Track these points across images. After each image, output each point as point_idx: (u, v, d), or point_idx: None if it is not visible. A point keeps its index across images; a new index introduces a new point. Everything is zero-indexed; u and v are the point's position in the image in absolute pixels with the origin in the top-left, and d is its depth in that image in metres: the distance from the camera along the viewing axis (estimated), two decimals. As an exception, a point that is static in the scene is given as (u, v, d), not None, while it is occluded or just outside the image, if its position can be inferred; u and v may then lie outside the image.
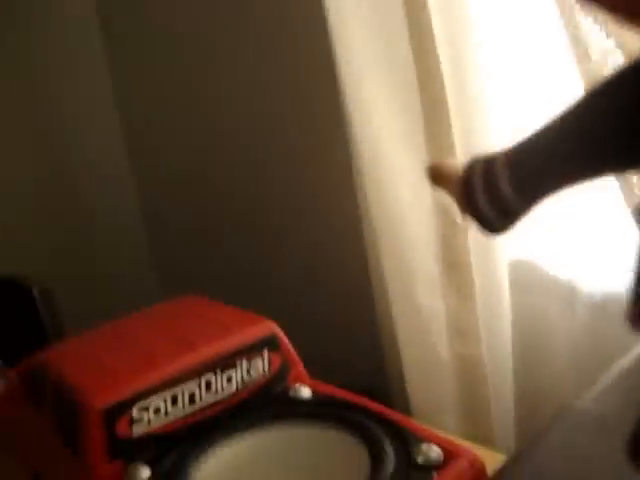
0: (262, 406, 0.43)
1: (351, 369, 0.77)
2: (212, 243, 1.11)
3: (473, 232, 0.71)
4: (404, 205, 0.68)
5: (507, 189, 0.20)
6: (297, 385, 0.45)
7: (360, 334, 0.82)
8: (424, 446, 0.36)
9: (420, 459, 0.35)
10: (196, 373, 0.42)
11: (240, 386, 0.44)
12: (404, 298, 0.68)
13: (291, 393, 0.44)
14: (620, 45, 0.47)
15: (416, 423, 0.39)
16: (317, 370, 0.67)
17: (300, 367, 0.47)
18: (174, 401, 0.41)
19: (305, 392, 0.44)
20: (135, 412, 0.40)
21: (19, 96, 1.16)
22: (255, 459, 0.39)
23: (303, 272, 0.92)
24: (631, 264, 0.20)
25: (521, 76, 0.63)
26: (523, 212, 0.21)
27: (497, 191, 0.21)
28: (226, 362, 0.43)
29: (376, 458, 0.36)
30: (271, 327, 0.46)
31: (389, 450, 0.36)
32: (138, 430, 0.40)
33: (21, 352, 0.79)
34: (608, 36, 0.46)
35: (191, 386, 0.42)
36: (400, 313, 0.68)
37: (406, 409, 0.70)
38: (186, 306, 0.54)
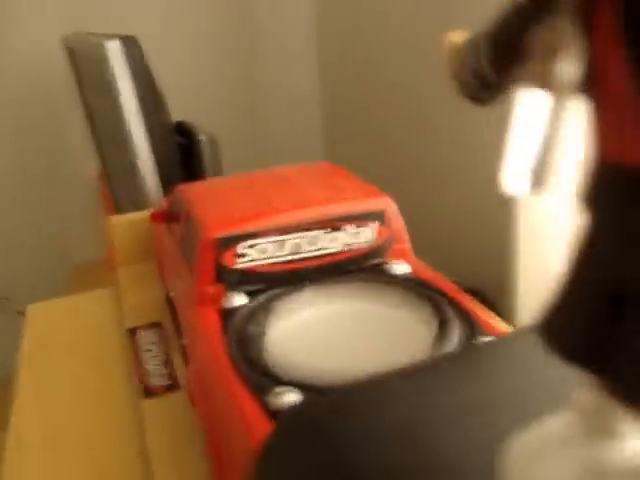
0: (356, 270, 0.46)
1: (473, 270, 0.78)
2: (376, 127, 1.13)
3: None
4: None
5: (485, 63, 0.20)
6: (397, 261, 0.47)
7: (487, 241, 0.82)
8: (487, 339, 0.37)
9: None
10: (305, 228, 0.46)
11: (343, 248, 0.47)
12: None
13: (388, 267, 0.47)
14: None
15: (492, 321, 0.40)
16: (439, 262, 0.69)
17: (406, 246, 0.49)
18: (279, 247, 0.45)
19: (401, 269, 0.46)
20: (242, 248, 0.44)
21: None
22: (332, 314, 0.43)
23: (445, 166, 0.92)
24: None
25: None
26: (501, 86, 0.21)
27: (478, 64, 0.21)
28: (334, 224, 0.46)
29: (439, 341, 0.38)
30: (386, 202, 0.48)
31: (454, 336, 0.38)
32: (242, 264, 0.44)
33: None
34: None
35: (298, 238, 0.46)
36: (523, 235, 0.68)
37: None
38: (319, 170, 0.57)
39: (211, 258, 0.44)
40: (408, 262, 0.48)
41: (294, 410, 0.31)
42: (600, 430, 0.17)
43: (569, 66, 0.15)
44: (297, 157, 1.34)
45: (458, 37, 0.22)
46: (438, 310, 0.41)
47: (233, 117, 1.30)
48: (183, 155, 0.93)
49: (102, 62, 0.77)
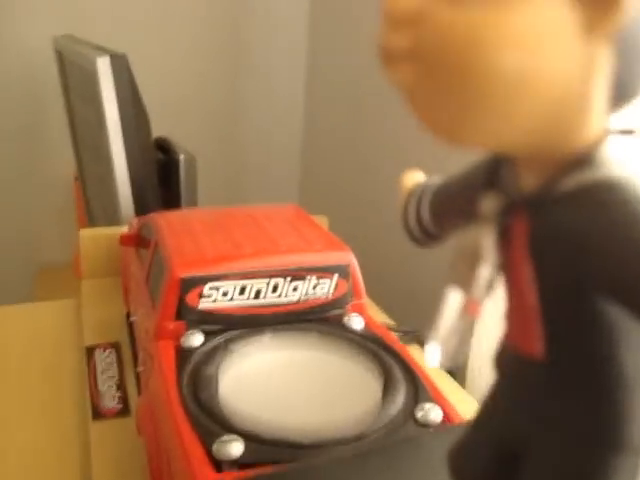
0: (313, 320, 0.48)
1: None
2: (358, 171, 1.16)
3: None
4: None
5: (426, 214, 0.23)
6: (353, 315, 0.49)
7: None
8: (428, 405, 0.39)
9: (419, 414, 0.38)
10: (269, 275, 0.47)
11: (302, 298, 0.48)
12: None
13: (344, 320, 0.49)
14: None
15: (437, 386, 0.42)
16: (401, 311, 0.70)
17: (362, 300, 0.51)
18: (242, 291, 0.47)
19: (357, 323, 0.48)
20: (206, 289, 0.46)
21: None
22: (286, 361, 0.45)
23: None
24: None
25: None
26: (440, 236, 0.23)
27: (420, 214, 0.23)
28: (298, 274, 0.48)
29: (386, 401, 0.40)
30: (348, 257, 0.50)
31: (399, 398, 0.40)
32: (204, 304, 0.46)
33: (153, 206, 0.88)
34: None
35: (260, 283, 0.47)
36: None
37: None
38: (288, 215, 0.59)
39: (175, 296, 0.46)
40: (364, 317, 0.49)
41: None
42: None
43: (489, 272, 0.18)
44: (271, 186, 1.36)
45: (411, 180, 0.25)
46: (386, 370, 0.43)
47: (214, 136, 1.32)
48: (161, 170, 0.94)
49: (90, 75, 0.78)
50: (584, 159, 0.16)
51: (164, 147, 0.97)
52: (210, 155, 1.24)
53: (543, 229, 0.17)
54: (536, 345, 0.17)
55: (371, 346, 0.46)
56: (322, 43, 1.28)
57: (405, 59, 0.15)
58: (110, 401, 0.54)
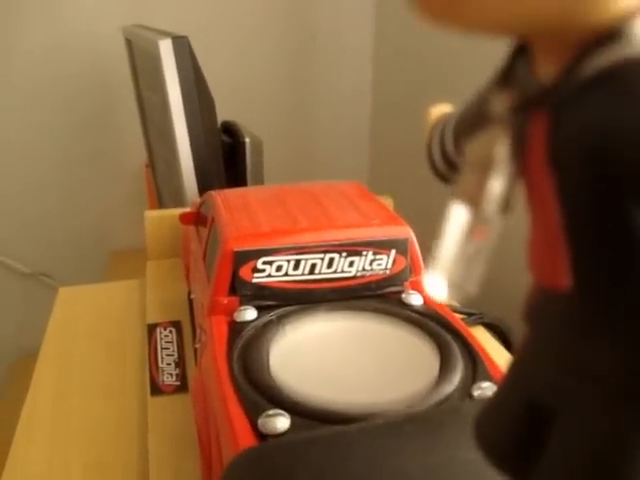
0: (370, 297, 0.46)
1: (499, 302, 0.77)
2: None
3: None
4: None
5: (450, 143, 0.20)
6: (412, 291, 0.47)
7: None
8: (486, 384, 0.37)
9: (476, 393, 0.36)
10: (324, 250, 0.46)
11: (358, 274, 0.47)
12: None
13: (403, 296, 0.47)
14: None
15: (499, 364, 0.40)
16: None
17: (422, 277, 0.49)
18: (296, 266, 0.46)
19: (415, 300, 0.46)
20: (260, 263, 0.45)
21: None
22: (340, 337, 0.43)
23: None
24: None
25: None
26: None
27: (444, 145, 0.20)
28: (354, 249, 0.47)
29: (441, 379, 0.38)
30: (407, 232, 0.48)
31: (455, 376, 0.38)
32: (258, 279, 0.45)
33: (218, 188, 0.89)
34: None
35: (315, 258, 0.46)
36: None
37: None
38: (348, 190, 0.57)
39: (228, 270, 0.45)
40: (423, 294, 0.47)
41: (250, 452, 0.32)
42: None
43: (502, 184, 0.15)
44: (338, 169, 1.35)
45: (438, 112, 0.22)
46: (444, 347, 0.41)
47: (280, 119, 1.32)
48: (227, 154, 0.95)
49: (154, 59, 0.78)
50: (612, 35, 0.13)
51: (231, 131, 0.97)
52: (277, 139, 1.24)
53: (564, 127, 0.13)
54: (562, 274, 0.15)
55: (429, 323, 0.44)
56: (390, 26, 1.26)
57: None
58: (168, 378, 0.54)
